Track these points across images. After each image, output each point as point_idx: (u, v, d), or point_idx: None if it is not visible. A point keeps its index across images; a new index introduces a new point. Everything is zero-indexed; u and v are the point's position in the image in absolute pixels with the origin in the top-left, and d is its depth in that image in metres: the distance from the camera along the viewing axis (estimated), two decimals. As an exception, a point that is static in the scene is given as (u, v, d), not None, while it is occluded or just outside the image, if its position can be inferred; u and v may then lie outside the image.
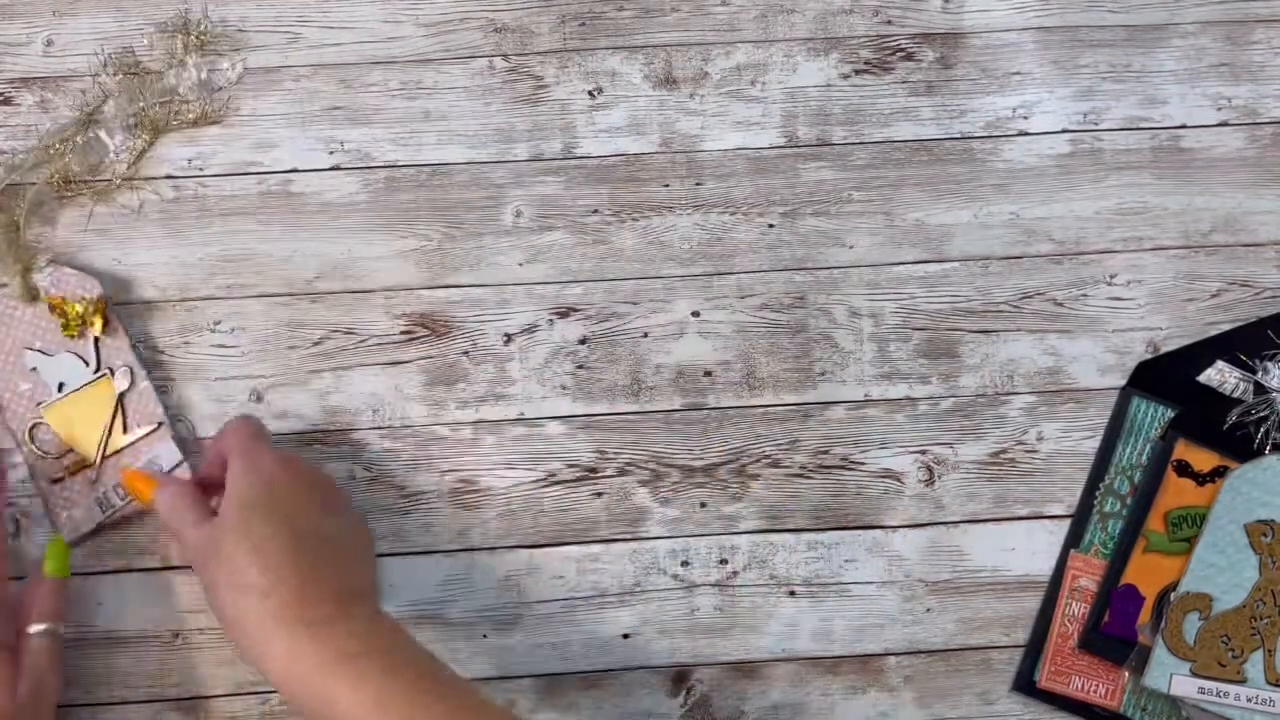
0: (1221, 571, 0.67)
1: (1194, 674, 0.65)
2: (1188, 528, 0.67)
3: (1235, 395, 0.67)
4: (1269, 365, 0.63)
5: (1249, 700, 0.65)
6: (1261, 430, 0.66)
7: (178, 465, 0.68)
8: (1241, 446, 0.68)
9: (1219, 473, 0.68)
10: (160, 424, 0.69)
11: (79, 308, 0.67)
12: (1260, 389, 0.68)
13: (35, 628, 0.60)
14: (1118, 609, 0.67)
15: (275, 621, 0.54)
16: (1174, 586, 0.67)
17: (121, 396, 0.68)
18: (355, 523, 0.63)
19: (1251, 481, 0.67)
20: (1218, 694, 0.65)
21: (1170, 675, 0.66)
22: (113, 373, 0.68)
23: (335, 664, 0.53)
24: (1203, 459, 0.68)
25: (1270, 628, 0.65)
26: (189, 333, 0.70)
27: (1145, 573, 0.68)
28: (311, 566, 0.56)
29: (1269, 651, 0.65)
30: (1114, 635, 0.67)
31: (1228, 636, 0.66)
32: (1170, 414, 0.70)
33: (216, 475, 0.62)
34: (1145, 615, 0.67)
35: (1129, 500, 0.69)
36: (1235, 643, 0.65)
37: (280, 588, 0.54)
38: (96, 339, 0.68)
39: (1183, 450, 0.68)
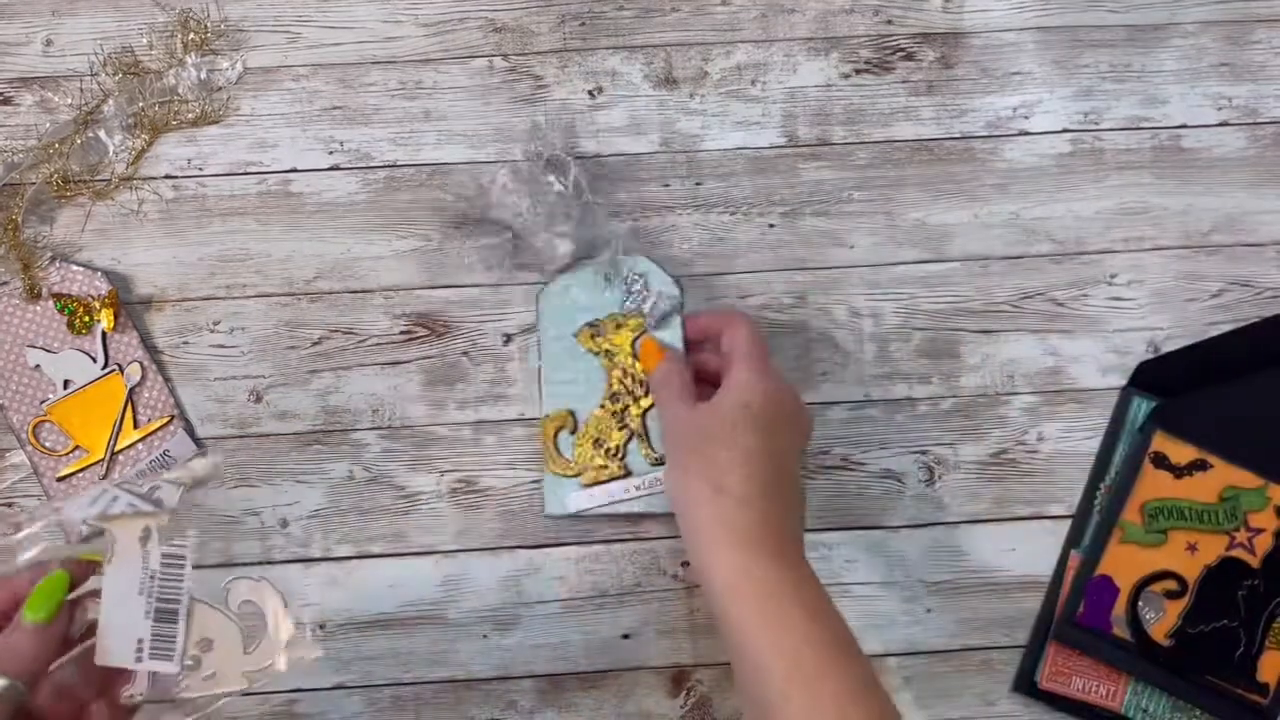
0: (570, 384, 0.68)
1: (584, 486, 0.67)
2: (1164, 520, 0.68)
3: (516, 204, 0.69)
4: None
5: (638, 489, 0.67)
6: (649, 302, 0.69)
7: (192, 458, 0.68)
8: (1220, 439, 0.68)
9: (1197, 465, 0.68)
10: (172, 417, 0.69)
11: (92, 304, 0.68)
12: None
13: None
14: (1093, 600, 0.67)
15: (739, 535, 0.55)
16: (1151, 578, 0.67)
17: (132, 391, 0.68)
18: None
19: (560, 296, 0.69)
20: (611, 494, 0.67)
21: (564, 498, 0.67)
22: (122, 368, 0.69)
23: (769, 599, 0.53)
24: (1180, 451, 0.68)
25: (634, 415, 0.67)
26: (188, 333, 0.70)
27: (1121, 564, 0.67)
28: (785, 501, 0.57)
29: (640, 436, 0.67)
30: (1089, 626, 0.67)
31: (599, 439, 0.67)
32: (1171, 414, 0.70)
33: (709, 364, 0.65)
34: (1121, 606, 0.67)
35: (1129, 500, 0.69)
36: (609, 442, 0.67)
37: (755, 505, 0.55)
38: (104, 335, 0.68)
39: (1160, 442, 0.68)
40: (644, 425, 0.67)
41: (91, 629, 0.45)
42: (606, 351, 0.68)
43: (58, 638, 0.44)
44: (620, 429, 0.67)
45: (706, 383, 0.64)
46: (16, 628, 0.44)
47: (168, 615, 0.44)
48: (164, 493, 0.46)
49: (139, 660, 0.43)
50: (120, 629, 0.43)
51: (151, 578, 0.44)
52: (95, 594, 0.44)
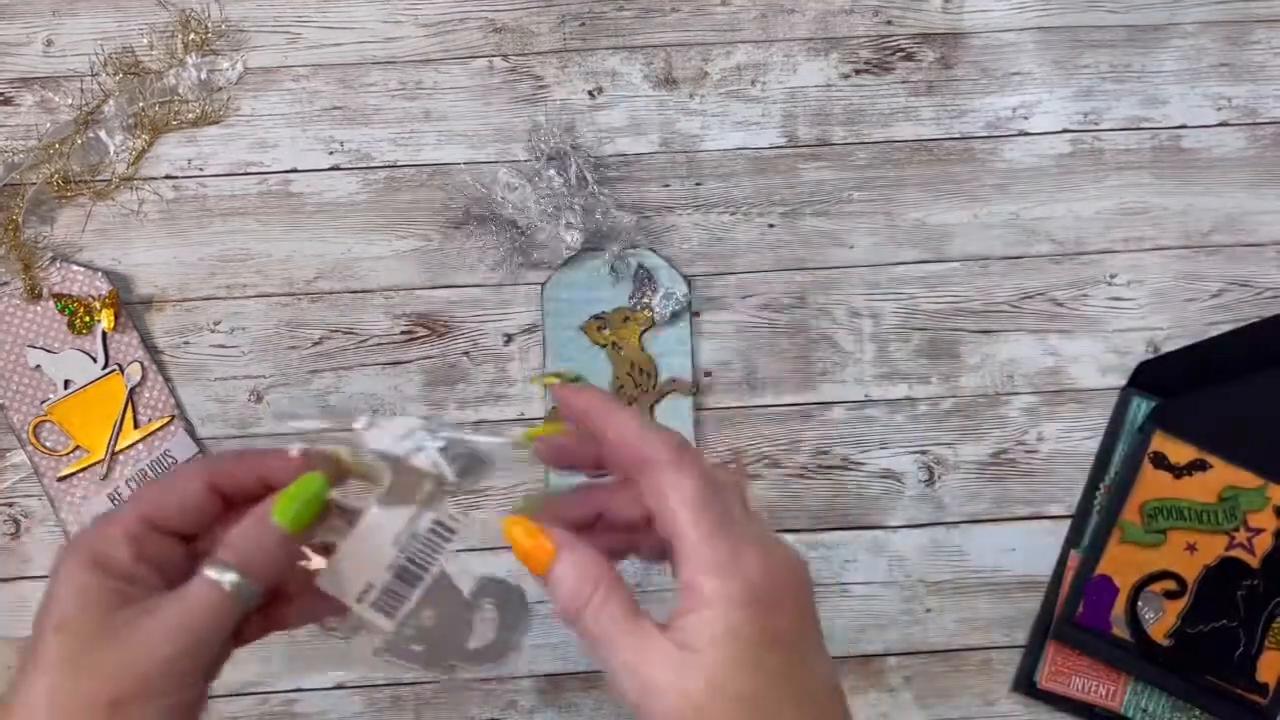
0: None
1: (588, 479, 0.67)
2: (1164, 520, 0.68)
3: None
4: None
5: None
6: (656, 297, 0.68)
7: (192, 458, 0.68)
8: (1220, 439, 0.68)
9: (1197, 465, 0.68)
10: (173, 417, 0.69)
11: (92, 304, 0.68)
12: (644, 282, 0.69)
13: (213, 570, 0.36)
14: (1092, 600, 0.67)
15: None
16: (1150, 578, 0.67)
17: (132, 391, 0.68)
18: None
19: (566, 287, 0.69)
20: None
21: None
22: (122, 368, 0.69)
23: None
24: (1180, 451, 0.68)
25: (641, 407, 0.68)
26: (188, 333, 0.70)
27: (1120, 564, 0.68)
28: None
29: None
30: (1088, 626, 0.67)
31: None
32: (1170, 414, 0.70)
33: (621, 511, 0.40)
34: (1120, 606, 0.67)
35: (1129, 500, 0.69)
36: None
37: None
38: (105, 335, 0.68)
39: (1160, 443, 0.68)
40: (653, 418, 0.68)
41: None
42: (613, 344, 0.68)
43: (299, 544, 0.38)
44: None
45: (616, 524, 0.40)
46: (261, 522, 0.37)
47: (409, 577, 0.40)
48: (467, 463, 0.41)
49: (359, 602, 0.39)
50: (357, 565, 0.39)
51: (413, 536, 0.40)
52: (343, 510, 0.40)
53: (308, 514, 0.39)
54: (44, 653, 0.34)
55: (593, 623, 0.36)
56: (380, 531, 0.40)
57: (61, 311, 0.68)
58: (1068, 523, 0.70)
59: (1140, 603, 0.67)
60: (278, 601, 0.39)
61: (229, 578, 0.36)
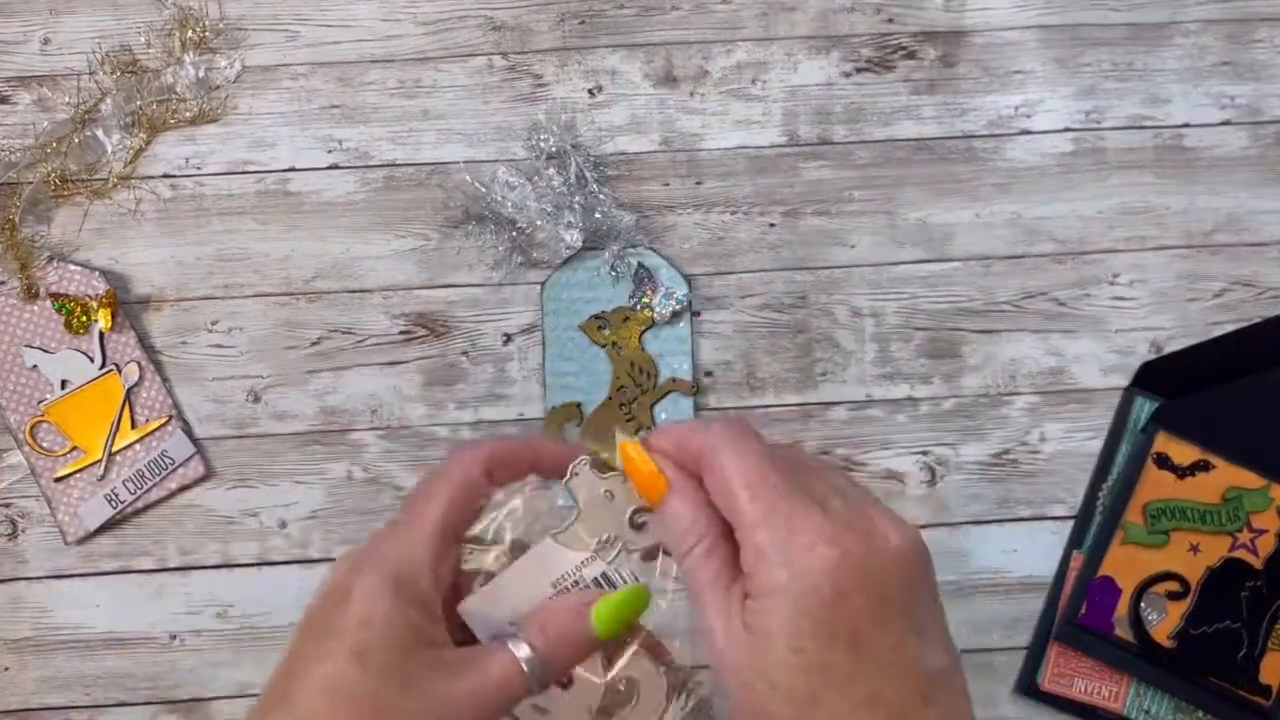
0: (577, 376, 0.68)
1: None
2: (1167, 520, 0.67)
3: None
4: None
5: None
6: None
7: (190, 458, 0.68)
8: (1223, 439, 0.68)
9: (1200, 466, 0.68)
10: (170, 417, 0.69)
11: (89, 304, 0.67)
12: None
13: (519, 649, 0.35)
14: (1095, 601, 0.67)
15: None
16: (1153, 579, 0.67)
17: (129, 391, 0.68)
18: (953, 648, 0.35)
19: (566, 286, 0.69)
20: None
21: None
22: (119, 368, 0.68)
23: None
24: (1183, 452, 0.68)
25: (642, 406, 0.67)
26: (186, 332, 0.70)
27: (1123, 565, 0.67)
28: None
29: (649, 429, 0.67)
30: (1091, 628, 0.67)
31: (603, 432, 0.67)
32: (1173, 414, 0.70)
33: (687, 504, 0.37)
34: (1123, 608, 0.67)
35: (1132, 501, 0.69)
36: (616, 432, 0.67)
37: None
38: (102, 335, 0.68)
39: (1163, 443, 0.68)
40: (653, 418, 0.67)
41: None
42: (613, 344, 0.68)
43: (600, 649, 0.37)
44: (628, 420, 0.67)
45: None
46: (579, 617, 0.36)
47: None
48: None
49: (492, 640, 0.35)
50: (508, 599, 0.36)
51: (576, 584, 0.37)
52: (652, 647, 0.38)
53: (624, 627, 0.38)
54: (339, 677, 0.32)
55: (690, 572, 0.36)
56: (542, 566, 0.37)
57: (58, 311, 0.68)
58: (1070, 524, 0.70)
59: (1143, 604, 0.67)
60: None
61: (526, 655, 0.34)
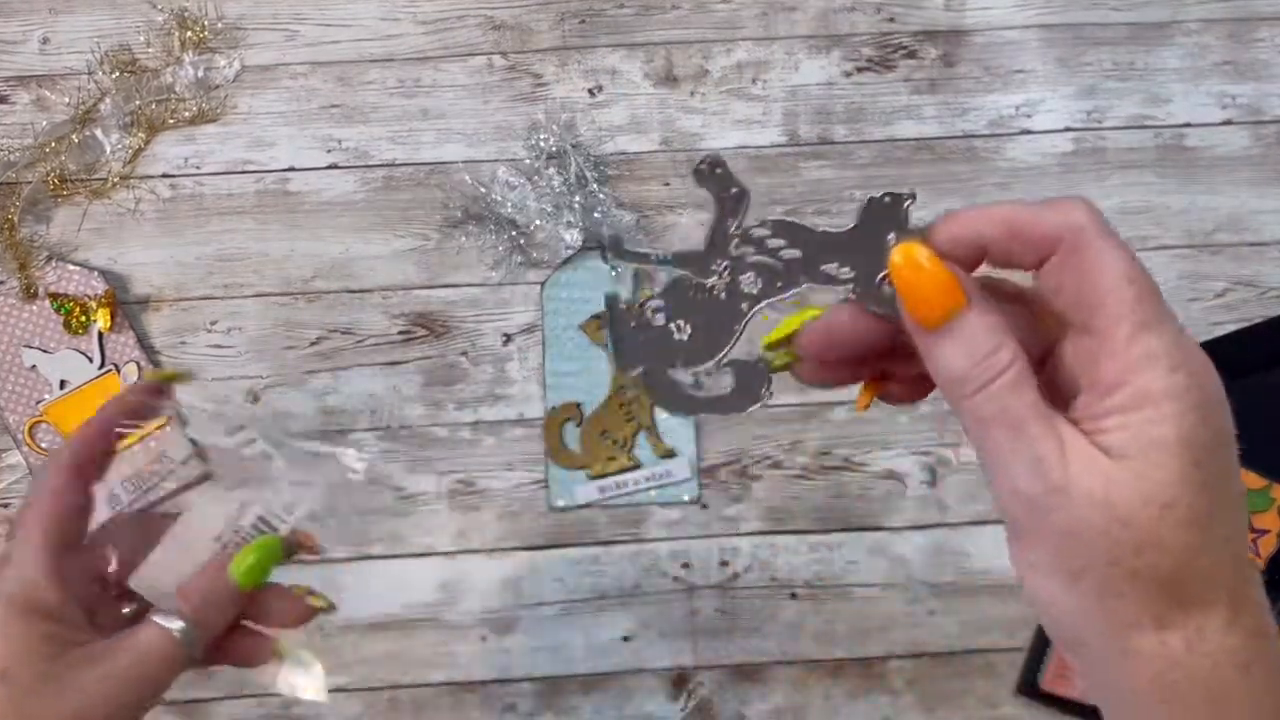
0: (577, 376, 0.68)
1: (591, 478, 0.67)
2: None
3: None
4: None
5: (648, 480, 0.67)
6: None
7: (188, 458, 0.68)
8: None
9: None
10: (170, 417, 0.68)
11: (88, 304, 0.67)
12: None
13: (163, 619, 0.37)
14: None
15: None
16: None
17: (124, 394, 0.68)
18: None
19: (566, 286, 0.69)
20: (619, 487, 0.67)
21: (573, 489, 0.68)
22: (118, 368, 0.68)
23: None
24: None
25: (641, 406, 0.67)
26: (185, 332, 0.70)
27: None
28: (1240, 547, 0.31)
29: (649, 428, 0.67)
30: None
31: (606, 431, 0.67)
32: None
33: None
34: None
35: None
36: (616, 434, 0.67)
37: (1261, 662, 0.30)
38: (101, 335, 0.68)
39: None
40: (653, 418, 0.67)
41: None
42: None
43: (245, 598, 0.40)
44: (629, 421, 0.67)
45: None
46: (217, 576, 0.39)
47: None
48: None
49: (154, 612, 0.38)
50: (173, 564, 0.39)
51: (235, 531, 0.40)
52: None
53: (262, 572, 0.40)
54: None
55: (999, 400, 0.29)
56: (198, 527, 0.40)
57: (57, 311, 0.68)
58: (1071, 524, 0.69)
59: (1144, 604, 0.67)
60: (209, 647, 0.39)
61: (178, 625, 0.37)
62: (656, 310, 0.35)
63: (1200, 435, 0.29)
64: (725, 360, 0.36)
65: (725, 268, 0.33)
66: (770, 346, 0.34)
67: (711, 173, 0.34)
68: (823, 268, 0.33)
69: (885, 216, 0.32)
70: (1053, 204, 0.30)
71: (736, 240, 0.33)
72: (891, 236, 0.31)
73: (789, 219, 0.32)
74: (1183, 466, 0.28)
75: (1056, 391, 0.31)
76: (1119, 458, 0.28)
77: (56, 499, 0.39)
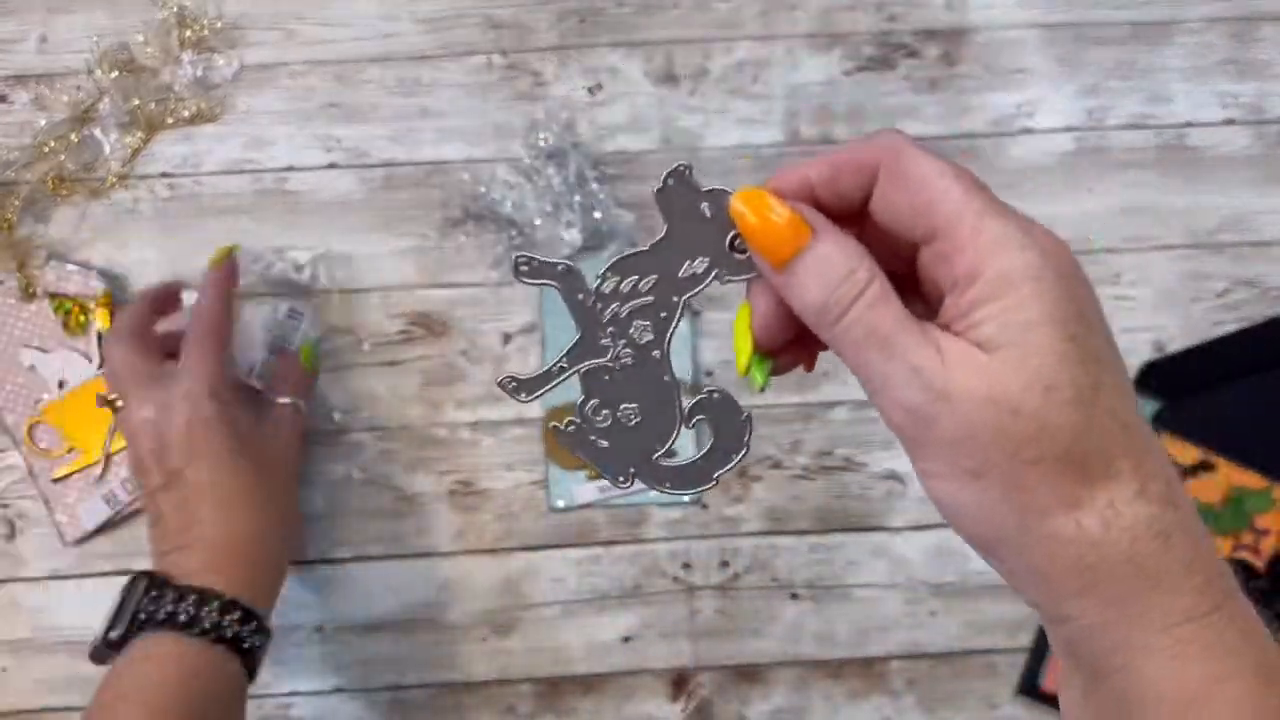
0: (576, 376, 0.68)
1: (591, 478, 0.67)
2: None
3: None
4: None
5: None
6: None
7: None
8: (1226, 440, 0.68)
9: (1203, 467, 0.68)
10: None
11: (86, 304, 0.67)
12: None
13: (283, 399, 0.65)
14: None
15: (1182, 598, 0.29)
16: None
17: (125, 393, 0.68)
18: None
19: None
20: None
21: (572, 489, 0.68)
22: (116, 369, 0.68)
23: None
24: (1186, 452, 0.68)
25: None
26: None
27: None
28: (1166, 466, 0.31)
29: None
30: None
31: None
32: (1176, 414, 0.69)
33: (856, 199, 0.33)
34: None
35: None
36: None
37: (1180, 532, 0.29)
38: (100, 335, 0.68)
39: (1166, 444, 0.68)
40: None
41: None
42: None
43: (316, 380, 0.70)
44: None
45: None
46: (294, 366, 0.68)
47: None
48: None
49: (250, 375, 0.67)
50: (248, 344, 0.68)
51: (276, 323, 0.69)
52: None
53: (311, 361, 0.68)
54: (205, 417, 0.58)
55: (864, 320, 0.30)
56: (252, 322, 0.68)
57: (56, 311, 0.68)
58: (1072, 524, 0.69)
59: (1146, 605, 0.67)
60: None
61: (292, 400, 0.65)
62: (594, 411, 0.35)
63: (1066, 309, 0.29)
64: (693, 404, 0.37)
65: (610, 334, 0.33)
66: (747, 369, 0.36)
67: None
68: (679, 275, 0.33)
69: (682, 195, 0.33)
70: (867, 135, 0.32)
71: (598, 306, 0.33)
72: (705, 205, 0.32)
73: (616, 256, 0.33)
74: (1057, 344, 0.28)
75: (929, 307, 0.31)
76: (994, 349, 0.28)
77: (219, 317, 0.61)
